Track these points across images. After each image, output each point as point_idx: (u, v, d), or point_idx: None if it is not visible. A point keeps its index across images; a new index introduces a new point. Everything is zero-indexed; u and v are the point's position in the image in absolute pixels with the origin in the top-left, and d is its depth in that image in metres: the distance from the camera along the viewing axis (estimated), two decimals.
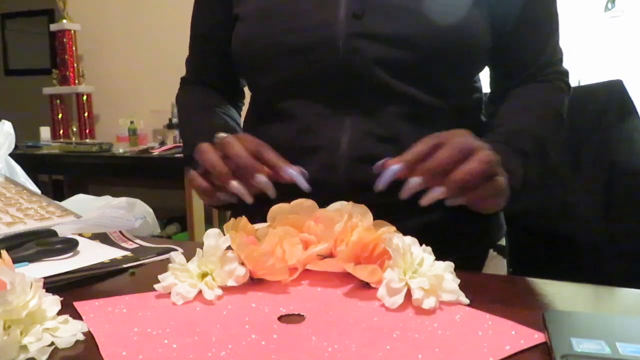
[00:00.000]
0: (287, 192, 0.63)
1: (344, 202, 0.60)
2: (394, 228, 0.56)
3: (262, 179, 0.62)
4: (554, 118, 0.76)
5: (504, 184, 0.61)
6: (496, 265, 0.83)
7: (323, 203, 0.62)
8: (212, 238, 0.53)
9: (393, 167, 0.57)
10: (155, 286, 0.51)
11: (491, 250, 0.83)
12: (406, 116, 0.71)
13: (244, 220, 0.57)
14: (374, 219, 0.57)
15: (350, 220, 0.56)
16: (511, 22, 0.75)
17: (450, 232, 0.72)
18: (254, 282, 0.54)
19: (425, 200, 0.58)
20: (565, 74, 0.79)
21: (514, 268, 0.92)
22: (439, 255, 0.52)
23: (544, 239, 0.98)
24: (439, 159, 0.57)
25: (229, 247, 0.53)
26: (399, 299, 0.47)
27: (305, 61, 0.72)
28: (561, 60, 0.80)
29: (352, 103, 0.71)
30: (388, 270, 0.49)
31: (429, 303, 0.46)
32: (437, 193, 0.58)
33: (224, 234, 0.54)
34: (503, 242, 0.87)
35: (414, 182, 0.58)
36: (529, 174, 0.68)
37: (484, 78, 0.82)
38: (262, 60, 0.76)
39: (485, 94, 0.83)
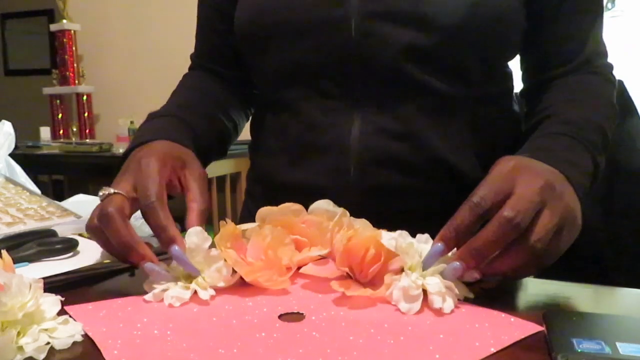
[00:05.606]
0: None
1: (328, 201, 0.57)
2: (383, 231, 0.52)
3: (149, 266, 0.50)
4: (611, 110, 0.66)
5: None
6: None
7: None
8: (195, 236, 0.52)
9: (434, 248, 0.47)
10: (146, 297, 0.49)
11: None
12: (424, 109, 0.63)
13: (231, 226, 0.55)
14: (390, 229, 0.51)
15: (342, 224, 0.55)
16: (551, 5, 0.67)
17: None
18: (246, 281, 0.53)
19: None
20: (611, 67, 0.72)
21: None
22: None
23: None
24: (483, 239, 0.45)
25: (212, 245, 0.52)
26: (417, 305, 0.46)
27: (311, 44, 0.64)
28: (607, 54, 0.71)
29: (364, 95, 0.63)
30: (403, 276, 0.47)
31: (449, 306, 0.45)
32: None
33: (213, 241, 0.53)
34: None
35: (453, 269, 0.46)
36: (597, 170, 0.58)
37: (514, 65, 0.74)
38: (264, 41, 0.67)
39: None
